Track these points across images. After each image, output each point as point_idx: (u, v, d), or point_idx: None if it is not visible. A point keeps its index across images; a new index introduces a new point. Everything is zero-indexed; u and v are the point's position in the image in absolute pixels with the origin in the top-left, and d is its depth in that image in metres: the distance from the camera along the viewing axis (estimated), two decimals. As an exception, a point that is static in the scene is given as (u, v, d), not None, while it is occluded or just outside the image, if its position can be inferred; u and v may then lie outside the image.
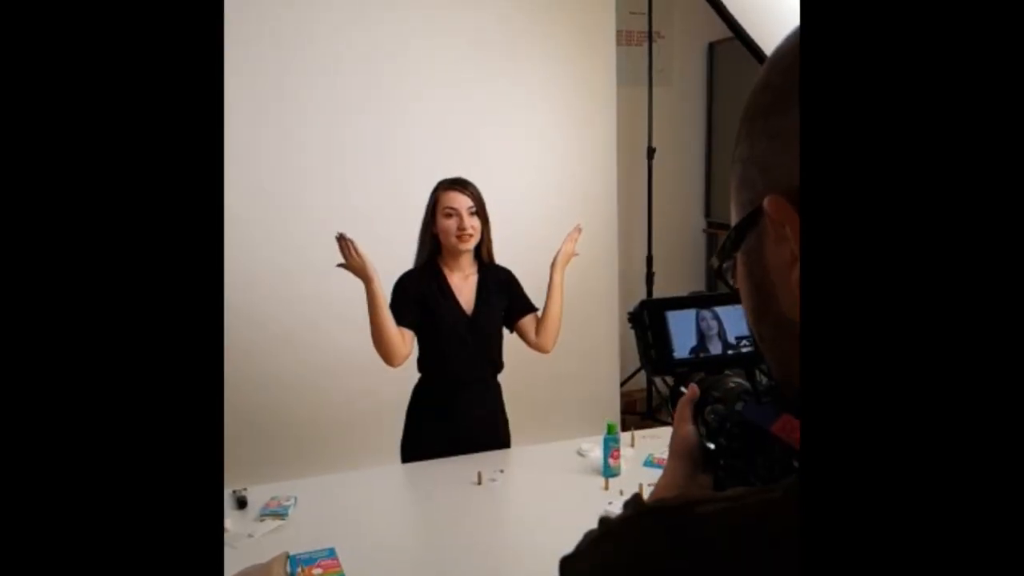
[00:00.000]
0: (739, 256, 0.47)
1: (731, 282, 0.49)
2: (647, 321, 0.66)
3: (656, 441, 2.33)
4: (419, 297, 2.13)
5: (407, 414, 2.26)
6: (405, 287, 2.14)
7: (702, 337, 0.67)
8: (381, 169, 3.18)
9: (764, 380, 0.67)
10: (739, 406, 0.68)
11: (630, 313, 0.68)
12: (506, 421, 2.31)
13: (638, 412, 4.05)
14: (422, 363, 2.22)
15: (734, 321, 0.68)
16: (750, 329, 0.48)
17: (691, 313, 0.67)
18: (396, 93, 3.19)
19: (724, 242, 0.47)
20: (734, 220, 0.47)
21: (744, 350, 0.67)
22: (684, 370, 0.67)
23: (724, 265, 0.49)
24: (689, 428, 0.68)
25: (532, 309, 2.28)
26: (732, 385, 0.71)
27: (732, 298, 0.75)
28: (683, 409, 0.69)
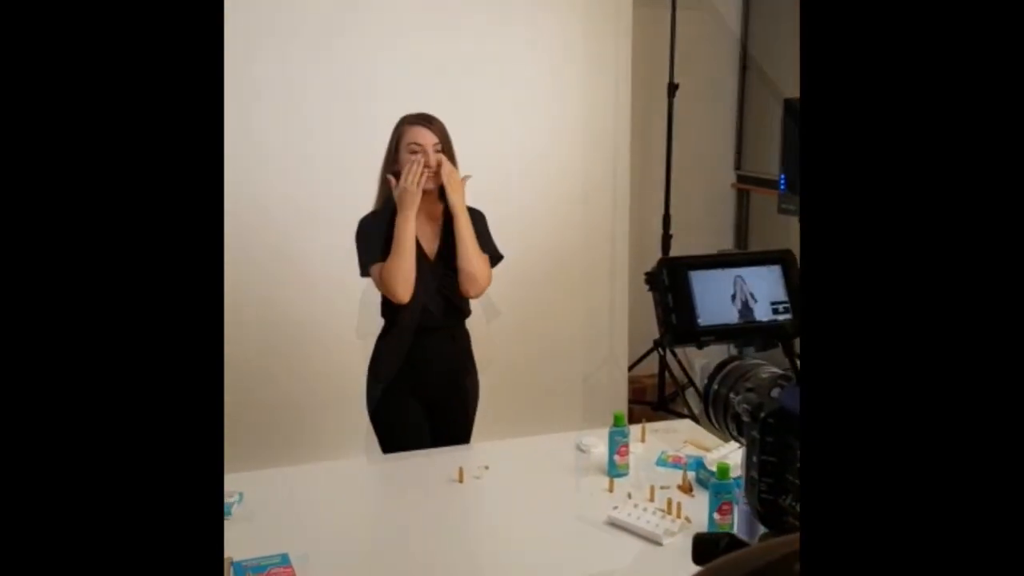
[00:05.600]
0: None
1: None
2: (667, 282, 0.68)
3: (670, 436, 2.38)
4: (383, 238, 2.32)
5: (369, 367, 2.46)
6: (368, 231, 2.37)
7: (731, 301, 0.69)
8: (349, 108, 3.19)
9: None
10: (775, 392, 0.70)
11: (648, 273, 0.70)
12: (475, 370, 2.51)
13: (648, 401, 4.10)
14: (385, 309, 2.42)
15: (768, 284, 0.70)
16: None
17: (718, 273, 0.69)
18: (368, 25, 3.18)
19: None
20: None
21: (781, 318, 0.70)
22: (710, 339, 0.70)
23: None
24: None
25: (491, 253, 2.42)
26: (765, 375, 0.74)
27: (765, 257, 0.77)
28: None
